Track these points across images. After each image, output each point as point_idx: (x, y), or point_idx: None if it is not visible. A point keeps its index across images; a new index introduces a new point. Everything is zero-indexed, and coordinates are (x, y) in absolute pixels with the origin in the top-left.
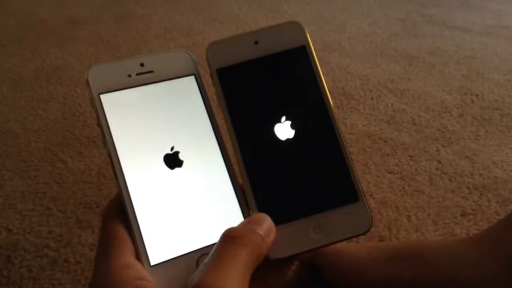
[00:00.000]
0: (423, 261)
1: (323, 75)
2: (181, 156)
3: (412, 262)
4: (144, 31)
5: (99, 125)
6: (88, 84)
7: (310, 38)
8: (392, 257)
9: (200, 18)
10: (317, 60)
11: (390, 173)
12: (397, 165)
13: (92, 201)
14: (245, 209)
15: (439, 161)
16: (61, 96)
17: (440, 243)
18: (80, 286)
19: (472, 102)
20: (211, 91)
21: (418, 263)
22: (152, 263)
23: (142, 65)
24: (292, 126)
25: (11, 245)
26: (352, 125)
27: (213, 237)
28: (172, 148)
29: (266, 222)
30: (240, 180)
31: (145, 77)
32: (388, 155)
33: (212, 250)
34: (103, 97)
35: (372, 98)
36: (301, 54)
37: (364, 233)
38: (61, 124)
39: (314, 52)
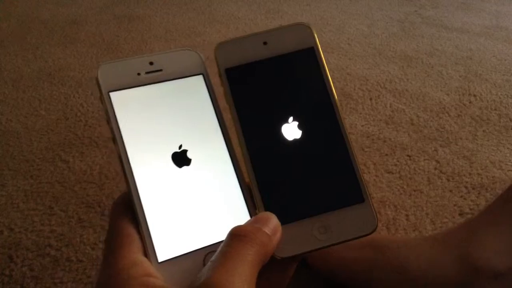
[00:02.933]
0: (381, 250)
1: (330, 77)
2: (189, 155)
3: (371, 250)
4: (145, 32)
5: (109, 122)
6: (97, 81)
7: (318, 40)
8: (361, 244)
9: (200, 19)
10: (325, 61)
11: (388, 172)
12: (395, 164)
13: (93, 201)
14: (252, 208)
15: (437, 161)
16: (63, 96)
17: (404, 238)
18: (82, 285)
19: (470, 102)
20: (219, 90)
21: (376, 251)
22: (160, 260)
23: (151, 63)
24: (300, 127)
25: (13, 244)
26: (351, 125)
27: (220, 235)
28: (180, 147)
29: (273, 221)
30: (247, 179)
31: (154, 75)
32: (386, 155)
33: (219, 248)
34: (113, 95)
35: (371, 99)
36: (309, 55)
37: (369, 234)
38: (63, 124)
39: (322, 54)
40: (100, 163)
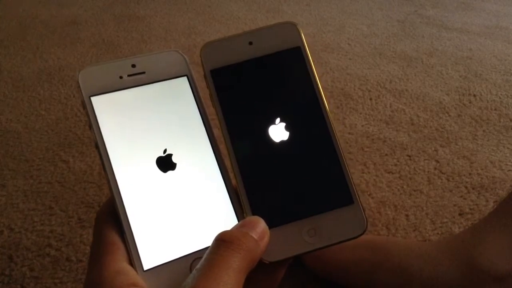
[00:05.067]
0: (382, 252)
1: (318, 76)
2: (174, 159)
3: (371, 252)
4: (145, 32)
5: (90, 128)
6: (78, 86)
7: (305, 38)
8: (360, 246)
9: (200, 19)
10: (312, 61)
11: (388, 172)
12: (395, 164)
13: (93, 201)
14: (239, 212)
15: (437, 161)
16: (63, 96)
17: (405, 240)
18: (82, 285)
19: (470, 102)
20: (204, 92)
21: (377, 254)
22: (145, 268)
23: (133, 66)
24: (287, 128)
25: (13, 244)
26: (351, 125)
27: (207, 241)
28: (165, 151)
29: (260, 225)
30: (234, 183)
31: (136, 78)
32: (386, 155)
33: (205, 255)
34: (94, 99)
35: (371, 99)
36: (296, 55)
37: (359, 236)
38: (63, 124)
39: (309, 53)
40: (100, 163)
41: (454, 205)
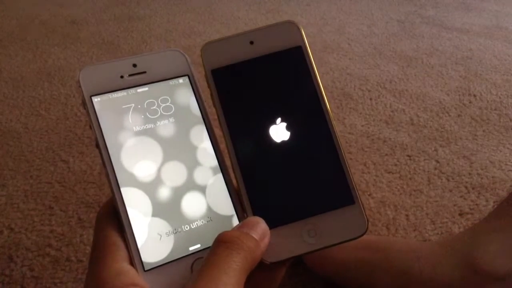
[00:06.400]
0: (382, 252)
1: (319, 76)
2: (178, 159)
3: (371, 252)
4: (145, 32)
5: (91, 127)
6: (79, 86)
7: (306, 37)
8: (360, 246)
9: (200, 19)
10: (314, 60)
11: (388, 172)
12: (395, 164)
13: (93, 201)
14: (240, 212)
15: (437, 161)
16: (63, 96)
17: (405, 241)
18: (82, 285)
19: (470, 102)
20: (206, 91)
21: (377, 254)
22: (146, 268)
23: (134, 65)
24: (288, 128)
25: (13, 244)
26: (351, 125)
27: (208, 241)
28: (165, 152)
29: (261, 226)
30: (235, 183)
31: (137, 78)
32: (386, 155)
33: (206, 256)
34: (95, 99)
35: (371, 99)
36: (297, 54)
37: (359, 237)
38: (63, 124)
39: (310, 52)
40: (100, 163)
41: (454, 205)
